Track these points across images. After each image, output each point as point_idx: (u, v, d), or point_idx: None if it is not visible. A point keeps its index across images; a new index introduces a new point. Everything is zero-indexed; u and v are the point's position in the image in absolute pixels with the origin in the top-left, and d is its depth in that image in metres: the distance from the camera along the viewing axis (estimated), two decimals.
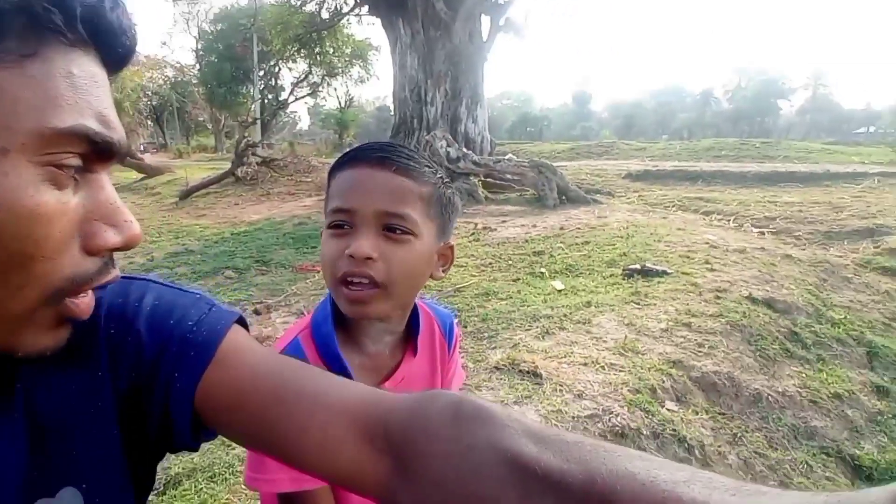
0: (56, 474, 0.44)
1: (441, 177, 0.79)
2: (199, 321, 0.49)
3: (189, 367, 0.47)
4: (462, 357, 2.86)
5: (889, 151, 14.13)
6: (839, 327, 3.52)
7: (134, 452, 0.49)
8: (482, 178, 8.87)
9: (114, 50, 0.41)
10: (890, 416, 2.85)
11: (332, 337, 0.77)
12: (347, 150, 0.81)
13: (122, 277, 0.49)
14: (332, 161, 0.89)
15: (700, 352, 2.89)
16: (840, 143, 20.38)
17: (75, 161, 0.38)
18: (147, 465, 0.52)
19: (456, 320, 0.99)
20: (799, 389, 2.81)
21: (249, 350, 0.50)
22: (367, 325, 0.80)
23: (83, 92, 0.38)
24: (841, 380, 2.97)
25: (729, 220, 6.89)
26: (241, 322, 0.54)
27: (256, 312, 4.06)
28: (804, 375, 2.96)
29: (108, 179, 0.42)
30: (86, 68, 0.39)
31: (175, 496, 1.86)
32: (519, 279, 4.41)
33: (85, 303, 0.41)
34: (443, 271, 0.83)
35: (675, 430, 2.24)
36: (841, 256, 5.16)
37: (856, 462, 2.46)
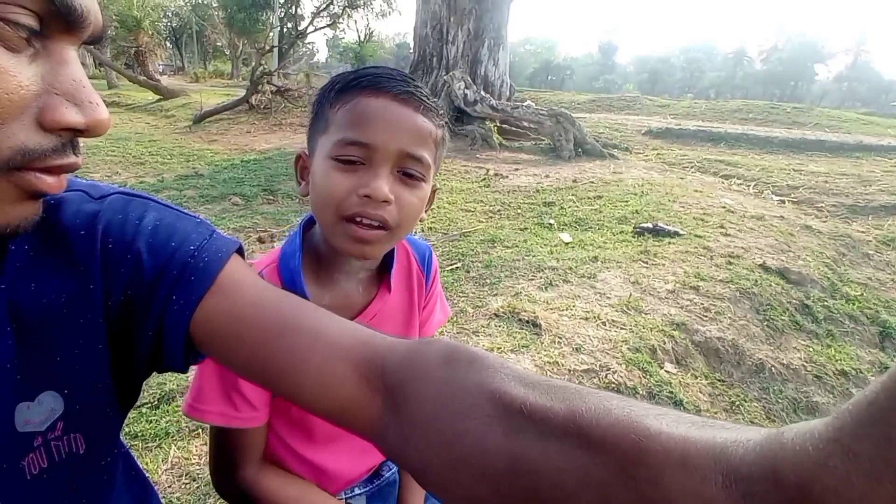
0: (39, 378, 0.44)
1: (446, 119, 0.73)
2: (200, 247, 0.49)
3: (188, 291, 0.47)
4: (462, 301, 2.81)
5: None
6: (854, 304, 3.41)
7: (120, 367, 0.49)
8: (498, 124, 8.61)
9: None
10: None
11: (299, 273, 0.73)
12: (352, 70, 0.71)
13: (122, 193, 0.50)
14: None
15: (705, 316, 2.81)
16: (877, 115, 19.57)
17: (28, 20, 0.35)
18: (132, 381, 0.52)
19: (433, 251, 0.94)
20: (804, 363, 2.74)
21: (249, 281, 0.50)
22: (344, 262, 0.76)
23: None
24: (849, 357, 2.88)
25: (749, 186, 6.67)
26: (240, 251, 0.53)
27: (260, 241, 4.02)
28: (811, 350, 2.87)
29: (76, 57, 0.39)
30: None
31: (168, 410, 1.89)
32: (526, 228, 4.32)
33: (55, 180, 0.39)
34: (426, 212, 0.79)
35: (671, 392, 2.18)
36: (864, 232, 4.98)
37: None
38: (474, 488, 0.36)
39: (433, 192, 0.79)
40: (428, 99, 0.68)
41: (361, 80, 0.67)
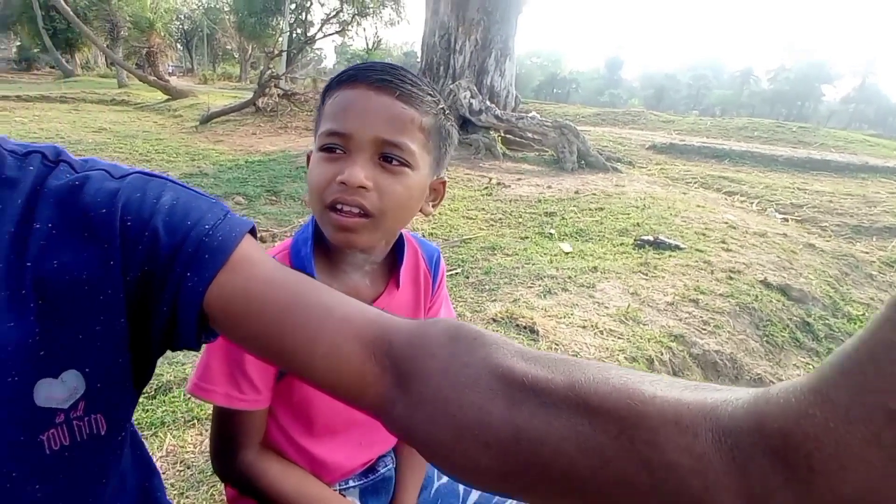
0: (61, 356, 0.45)
1: (443, 108, 0.73)
2: (214, 226, 0.50)
3: (202, 268, 0.47)
4: (460, 306, 2.79)
5: None
6: (855, 323, 3.38)
7: (137, 344, 0.50)
8: (502, 134, 8.64)
9: None
10: None
11: (310, 260, 0.75)
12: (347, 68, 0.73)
13: (142, 173, 0.52)
14: None
15: (704, 329, 2.79)
16: (883, 137, 19.55)
17: None
18: (147, 358, 0.53)
19: (441, 255, 0.95)
20: None
21: (261, 259, 0.51)
22: (349, 254, 0.77)
23: None
24: None
25: (752, 203, 6.66)
26: (252, 232, 0.54)
27: (262, 241, 4.01)
28: (811, 367, 2.85)
29: None
30: None
31: (165, 401, 1.91)
32: (527, 237, 4.30)
33: None
34: (433, 206, 0.79)
35: None
36: (867, 252, 4.96)
37: None
38: (478, 458, 0.37)
39: (442, 185, 0.79)
40: (411, 86, 0.68)
41: (343, 75, 0.70)
